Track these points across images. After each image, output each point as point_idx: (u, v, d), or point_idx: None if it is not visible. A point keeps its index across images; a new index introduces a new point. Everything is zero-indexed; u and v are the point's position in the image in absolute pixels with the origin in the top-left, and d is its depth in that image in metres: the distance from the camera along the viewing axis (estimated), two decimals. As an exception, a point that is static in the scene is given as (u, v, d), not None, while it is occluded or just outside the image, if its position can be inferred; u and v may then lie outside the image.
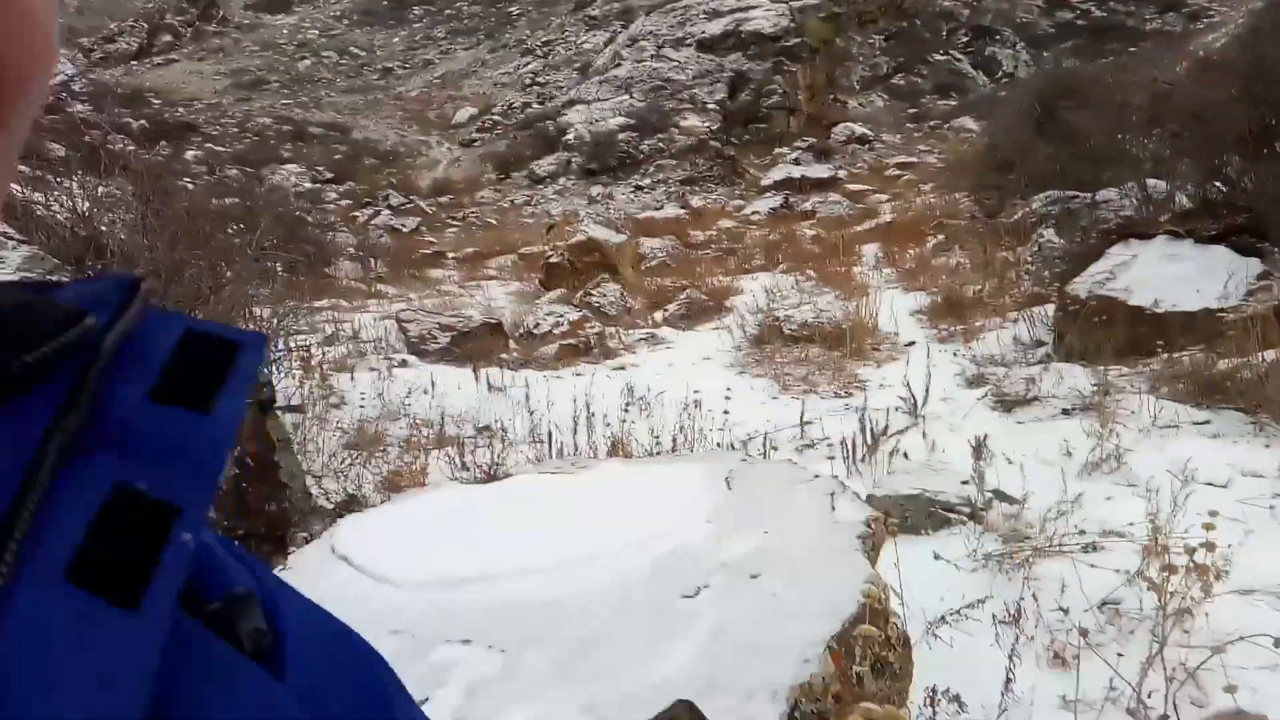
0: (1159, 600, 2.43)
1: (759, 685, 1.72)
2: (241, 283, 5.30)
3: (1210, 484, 3.88)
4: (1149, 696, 2.43)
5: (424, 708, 1.71)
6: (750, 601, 2.03)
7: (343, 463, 5.05)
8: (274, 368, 5.53)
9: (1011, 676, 2.37)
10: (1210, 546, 2.17)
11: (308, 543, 3.34)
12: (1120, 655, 2.60)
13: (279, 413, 4.31)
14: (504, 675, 1.89)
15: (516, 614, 2.08)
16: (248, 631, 0.33)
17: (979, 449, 3.98)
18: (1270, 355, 4.86)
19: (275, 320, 5.90)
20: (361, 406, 5.81)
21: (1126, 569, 3.02)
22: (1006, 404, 5.25)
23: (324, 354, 6.96)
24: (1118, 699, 2.42)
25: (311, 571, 2.70)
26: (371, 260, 14.96)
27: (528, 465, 4.17)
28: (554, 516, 2.63)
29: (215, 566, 0.33)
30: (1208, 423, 4.60)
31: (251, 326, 5.11)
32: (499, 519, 2.73)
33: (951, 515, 3.76)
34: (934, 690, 2.33)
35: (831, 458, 4.68)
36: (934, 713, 2.30)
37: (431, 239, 19.25)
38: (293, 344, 6.33)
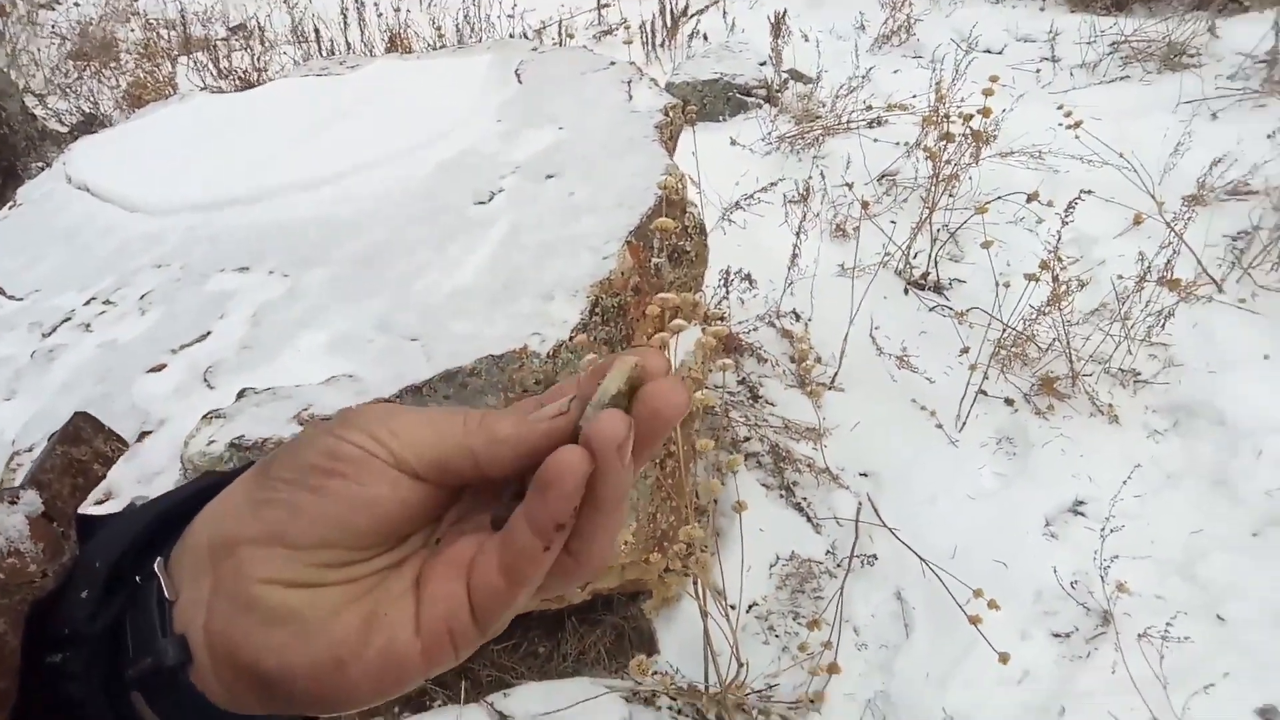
0: (933, 168, 2.56)
1: (558, 284, 1.71)
2: None
3: (988, 51, 4.00)
4: (915, 257, 2.67)
5: (208, 340, 1.55)
6: (546, 203, 1.95)
7: (69, 76, 4.31)
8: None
9: (798, 251, 2.51)
10: (986, 112, 2.24)
11: (43, 172, 2.90)
12: (893, 223, 2.81)
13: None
14: (289, 299, 1.79)
15: (291, 234, 1.93)
16: None
17: (778, 25, 3.85)
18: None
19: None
20: (78, 5, 4.83)
21: (906, 141, 3.16)
22: (808, -24, 5.03)
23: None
24: (888, 262, 2.65)
25: (47, 205, 2.38)
26: None
27: (291, 69, 3.68)
28: (323, 124, 2.35)
29: None
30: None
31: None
32: (260, 131, 2.42)
33: (748, 99, 3.72)
34: (728, 271, 2.44)
35: (629, 43, 4.43)
36: (727, 292, 2.44)
37: None
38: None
